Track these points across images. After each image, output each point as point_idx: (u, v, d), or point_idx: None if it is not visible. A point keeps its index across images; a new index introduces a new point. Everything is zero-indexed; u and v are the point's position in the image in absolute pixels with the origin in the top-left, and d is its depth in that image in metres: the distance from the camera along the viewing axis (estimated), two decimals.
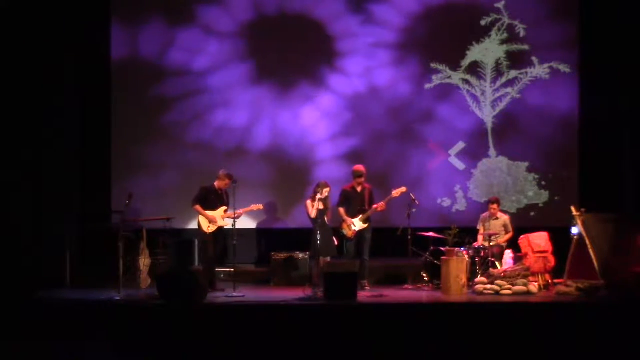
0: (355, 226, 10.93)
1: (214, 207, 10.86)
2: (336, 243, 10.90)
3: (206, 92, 12.76)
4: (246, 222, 12.30)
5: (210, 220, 10.81)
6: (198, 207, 10.84)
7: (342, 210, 11.02)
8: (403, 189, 11.06)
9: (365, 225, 10.96)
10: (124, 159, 12.62)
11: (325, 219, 10.85)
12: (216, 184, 10.96)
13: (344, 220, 10.96)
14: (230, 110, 12.77)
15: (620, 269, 9.99)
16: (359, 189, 11.08)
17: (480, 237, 11.47)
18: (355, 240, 10.95)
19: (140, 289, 10.72)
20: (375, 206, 10.95)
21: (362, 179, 11.06)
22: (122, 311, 9.22)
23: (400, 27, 12.78)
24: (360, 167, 11.15)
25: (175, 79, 12.70)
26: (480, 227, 11.58)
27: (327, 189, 10.82)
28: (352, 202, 11.03)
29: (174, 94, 12.72)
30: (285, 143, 12.77)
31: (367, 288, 10.69)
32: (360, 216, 10.96)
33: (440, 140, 12.81)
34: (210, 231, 10.82)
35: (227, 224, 10.78)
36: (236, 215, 10.67)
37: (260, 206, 11.20)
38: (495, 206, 11.46)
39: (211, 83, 12.75)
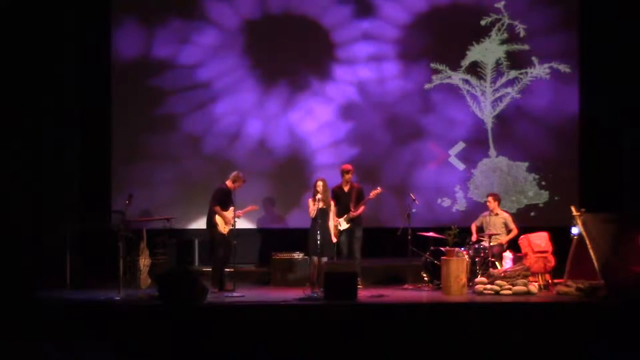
0: (341, 226, 11.04)
1: (227, 209, 10.85)
2: (335, 241, 10.90)
3: (206, 93, 12.75)
4: (246, 223, 12.31)
5: (227, 222, 10.79)
6: (218, 207, 10.81)
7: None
8: (378, 190, 11.10)
9: (348, 225, 11.00)
10: (124, 159, 12.62)
11: (331, 214, 10.85)
12: (229, 184, 10.90)
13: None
14: (231, 111, 12.77)
15: (620, 269, 9.98)
16: (346, 188, 11.17)
17: (472, 227, 11.47)
18: (346, 240, 10.98)
19: (140, 289, 10.72)
20: (352, 212, 10.99)
21: (349, 176, 11.13)
22: (122, 311, 9.22)
23: (400, 27, 12.78)
24: (346, 165, 11.28)
25: (176, 80, 12.70)
26: (477, 223, 11.55)
27: (320, 183, 10.84)
28: (340, 201, 11.11)
29: (175, 94, 12.71)
30: (285, 143, 12.77)
31: (359, 287, 10.66)
32: (345, 216, 11.01)
33: (440, 141, 12.81)
34: (226, 232, 10.81)
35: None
36: (237, 215, 10.71)
37: (256, 207, 11.22)
38: (490, 199, 11.44)
39: (212, 84, 12.74)
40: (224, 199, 10.82)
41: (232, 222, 10.77)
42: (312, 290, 10.11)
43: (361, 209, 11.06)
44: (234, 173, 10.97)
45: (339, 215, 11.06)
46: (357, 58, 12.80)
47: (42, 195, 11.58)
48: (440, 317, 9.03)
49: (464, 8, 12.75)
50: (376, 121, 12.79)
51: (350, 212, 11.02)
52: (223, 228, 10.80)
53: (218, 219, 10.81)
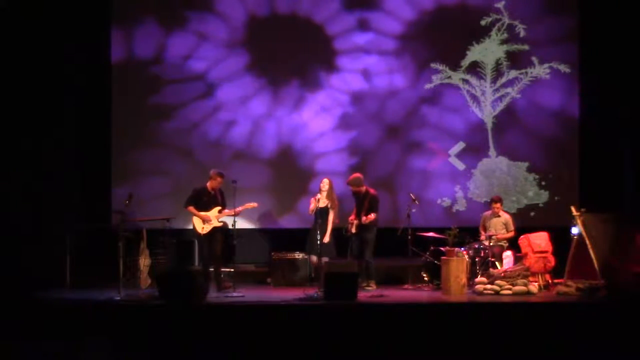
0: (352, 228, 10.98)
1: (207, 208, 10.82)
2: (325, 241, 10.84)
3: (206, 93, 12.75)
4: (246, 222, 12.31)
5: (204, 220, 10.79)
6: (191, 208, 10.81)
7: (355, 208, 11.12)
8: (372, 217, 10.80)
9: (355, 232, 10.96)
10: (124, 159, 12.62)
11: (331, 214, 10.83)
12: (208, 184, 10.91)
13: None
14: (231, 112, 12.76)
15: (620, 269, 9.98)
16: (359, 195, 11.08)
17: (482, 236, 11.48)
18: (356, 242, 10.97)
19: (140, 289, 10.72)
20: (363, 219, 10.86)
21: (352, 188, 11.03)
22: (122, 311, 9.22)
23: (400, 27, 12.77)
24: (349, 178, 11.18)
25: (175, 80, 12.70)
26: (481, 227, 11.57)
27: (325, 181, 10.84)
28: (356, 204, 11.11)
29: (173, 94, 12.71)
30: (285, 143, 12.76)
31: (367, 288, 10.66)
32: (356, 222, 10.99)
33: (440, 141, 12.80)
34: (204, 232, 10.79)
35: (222, 224, 10.77)
36: (233, 213, 10.66)
37: (255, 204, 11.10)
38: (498, 205, 11.44)
39: (211, 85, 12.74)
40: (198, 200, 10.81)
41: (212, 221, 10.76)
42: (312, 290, 10.09)
43: (370, 217, 10.91)
44: (211, 171, 10.94)
45: (355, 217, 11.03)
46: (358, 60, 12.77)
47: (42, 195, 11.58)
48: (440, 317, 9.03)
49: (464, 8, 12.74)
50: (376, 121, 12.77)
51: (362, 219, 10.91)
52: (201, 229, 10.79)
53: (195, 219, 10.82)
